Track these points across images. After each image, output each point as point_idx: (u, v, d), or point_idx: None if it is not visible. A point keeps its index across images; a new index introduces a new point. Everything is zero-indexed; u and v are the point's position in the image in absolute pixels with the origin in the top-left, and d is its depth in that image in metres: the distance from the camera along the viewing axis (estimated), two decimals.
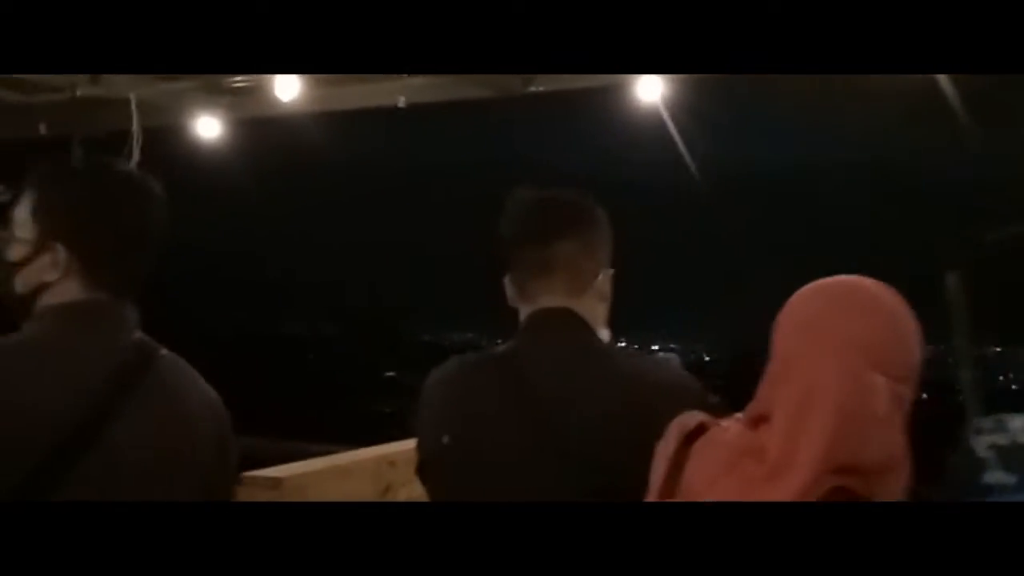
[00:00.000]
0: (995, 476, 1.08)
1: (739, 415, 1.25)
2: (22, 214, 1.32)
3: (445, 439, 1.46)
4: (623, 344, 1.52)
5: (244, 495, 1.97)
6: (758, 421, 1.09)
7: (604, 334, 1.51)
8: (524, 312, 1.48)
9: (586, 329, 1.47)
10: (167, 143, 4.18)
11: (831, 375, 1.04)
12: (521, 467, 1.36)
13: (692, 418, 1.17)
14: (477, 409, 1.44)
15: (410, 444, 2.50)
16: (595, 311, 1.49)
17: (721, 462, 1.07)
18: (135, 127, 3.78)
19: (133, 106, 3.78)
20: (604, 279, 1.50)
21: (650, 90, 3.43)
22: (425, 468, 1.55)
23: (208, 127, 4.01)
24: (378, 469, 2.26)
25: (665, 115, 3.54)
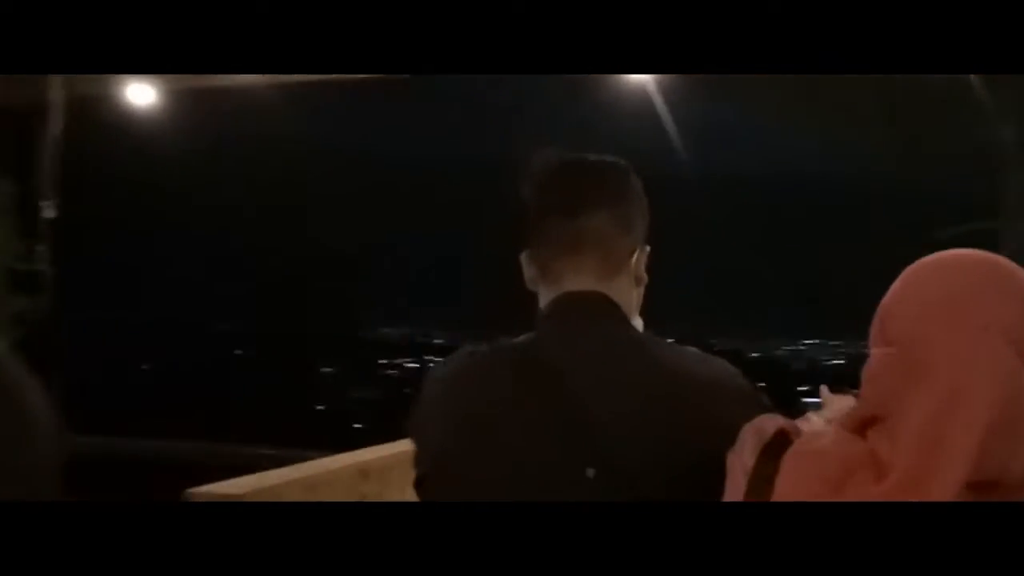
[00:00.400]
0: None
1: (813, 415, 1.12)
2: None
3: (453, 446, 1.23)
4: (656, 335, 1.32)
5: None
6: (864, 425, 0.93)
7: (637, 323, 1.31)
8: (547, 296, 1.30)
9: (620, 317, 1.27)
10: (96, 111, 3.82)
11: (980, 370, 0.86)
12: (546, 479, 1.15)
13: (769, 423, 0.99)
14: (492, 411, 1.22)
15: (384, 451, 2.28)
16: (629, 295, 1.30)
17: (825, 479, 0.90)
18: (55, 93, 3.46)
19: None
20: (640, 258, 1.31)
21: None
22: (427, 482, 1.28)
23: (141, 94, 3.66)
24: (350, 481, 1.97)
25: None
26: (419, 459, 1.30)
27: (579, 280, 1.26)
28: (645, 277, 1.32)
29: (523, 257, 1.31)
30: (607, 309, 1.25)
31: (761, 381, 1.31)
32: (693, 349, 1.30)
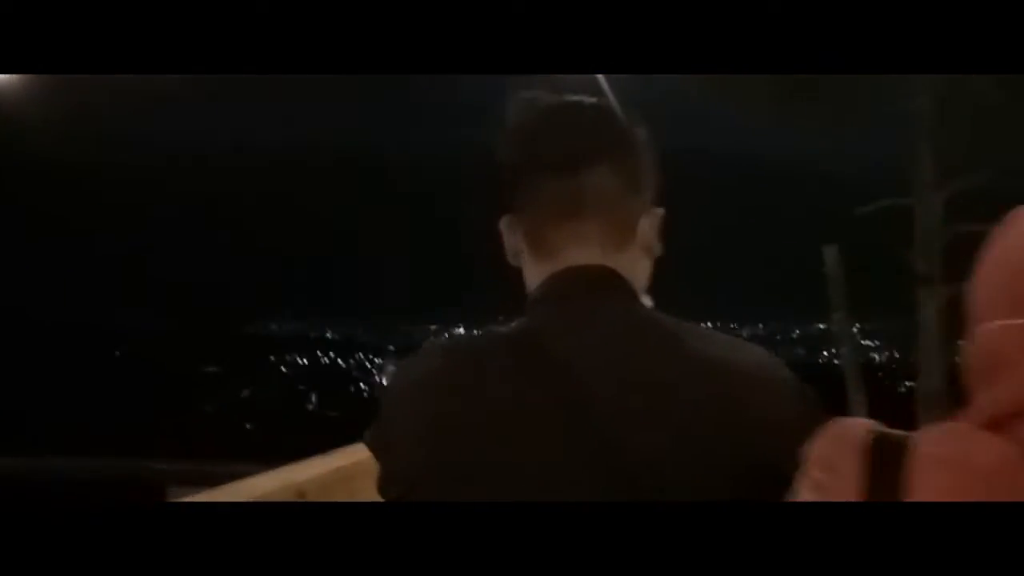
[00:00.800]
0: None
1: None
2: None
3: (442, 461, 1.04)
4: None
5: None
6: (1004, 420, 0.79)
7: (646, 301, 1.15)
8: (540, 272, 1.10)
9: (633, 296, 1.11)
10: None
11: None
12: (554, 492, 0.99)
13: (854, 427, 0.84)
14: (487, 415, 1.04)
15: (319, 467, 2.08)
16: (638, 269, 1.13)
17: (977, 488, 0.77)
18: None
19: None
20: (650, 223, 1.12)
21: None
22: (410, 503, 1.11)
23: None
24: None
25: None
26: (393, 478, 1.09)
27: (581, 252, 1.09)
28: (658, 246, 1.15)
29: (503, 225, 1.12)
30: (617, 287, 1.09)
31: None
32: (723, 335, 1.15)
